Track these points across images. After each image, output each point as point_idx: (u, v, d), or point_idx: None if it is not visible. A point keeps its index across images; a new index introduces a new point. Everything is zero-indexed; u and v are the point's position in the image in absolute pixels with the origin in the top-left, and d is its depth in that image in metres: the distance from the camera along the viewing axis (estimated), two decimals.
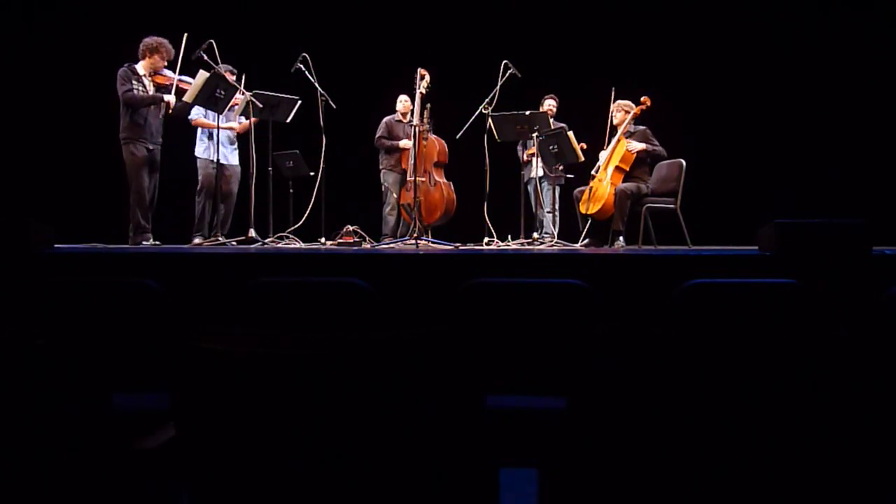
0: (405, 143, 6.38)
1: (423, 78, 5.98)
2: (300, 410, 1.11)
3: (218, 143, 5.65)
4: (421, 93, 5.99)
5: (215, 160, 5.61)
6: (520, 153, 6.68)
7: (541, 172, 6.35)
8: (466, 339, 1.10)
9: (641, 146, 5.80)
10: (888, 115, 7.20)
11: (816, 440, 1.11)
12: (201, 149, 6.03)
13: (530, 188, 6.51)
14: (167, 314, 2.30)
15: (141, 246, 5.25)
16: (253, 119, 5.76)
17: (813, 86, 7.33)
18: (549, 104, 6.62)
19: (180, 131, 6.00)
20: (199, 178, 6.00)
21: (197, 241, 5.79)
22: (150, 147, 5.47)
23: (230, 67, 5.79)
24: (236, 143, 6.16)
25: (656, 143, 5.90)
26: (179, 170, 6.10)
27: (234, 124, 6.06)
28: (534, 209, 6.45)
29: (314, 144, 5.85)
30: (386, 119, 6.68)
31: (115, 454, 1.32)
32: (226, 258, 3.75)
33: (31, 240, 3.59)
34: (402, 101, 6.67)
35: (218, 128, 5.59)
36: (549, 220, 6.37)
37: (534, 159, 6.20)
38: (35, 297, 2.31)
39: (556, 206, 6.41)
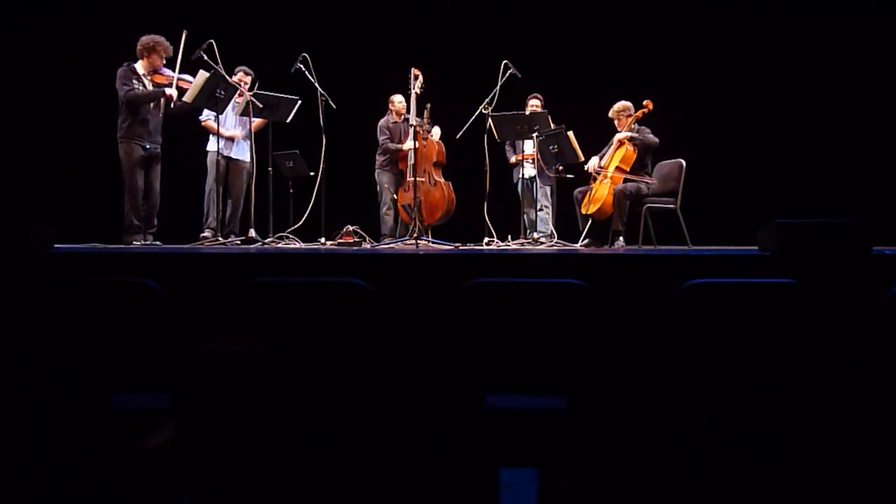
0: (409, 146, 6.19)
1: (416, 78, 5.95)
2: (300, 410, 1.11)
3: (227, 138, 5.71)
4: (416, 93, 5.96)
5: (223, 154, 5.70)
6: (508, 154, 6.64)
7: (532, 172, 6.32)
8: (466, 339, 1.10)
9: (629, 134, 5.80)
10: (888, 115, 7.20)
11: (816, 440, 1.11)
12: (210, 143, 6.00)
13: (519, 189, 6.44)
14: (167, 314, 2.29)
15: (140, 246, 5.24)
16: (260, 119, 5.81)
17: (813, 86, 7.32)
18: (534, 104, 6.49)
19: (192, 130, 6.00)
20: (208, 172, 5.98)
21: (206, 234, 5.79)
22: (148, 145, 5.45)
23: (245, 68, 5.89)
24: (249, 139, 5.91)
25: (651, 135, 5.85)
26: (188, 168, 6.10)
27: (238, 131, 6.00)
28: (522, 209, 6.37)
29: (314, 144, 5.85)
30: (381, 123, 6.59)
31: (115, 454, 1.32)
32: (226, 258, 3.75)
33: (31, 240, 3.58)
34: (398, 102, 6.57)
35: (232, 134, 5.67)
36: (543, 217, 6.33)
37: (525, 161, 6.18)
38: (35, 297, 2.31)
39: (550, 203, 6.38)
